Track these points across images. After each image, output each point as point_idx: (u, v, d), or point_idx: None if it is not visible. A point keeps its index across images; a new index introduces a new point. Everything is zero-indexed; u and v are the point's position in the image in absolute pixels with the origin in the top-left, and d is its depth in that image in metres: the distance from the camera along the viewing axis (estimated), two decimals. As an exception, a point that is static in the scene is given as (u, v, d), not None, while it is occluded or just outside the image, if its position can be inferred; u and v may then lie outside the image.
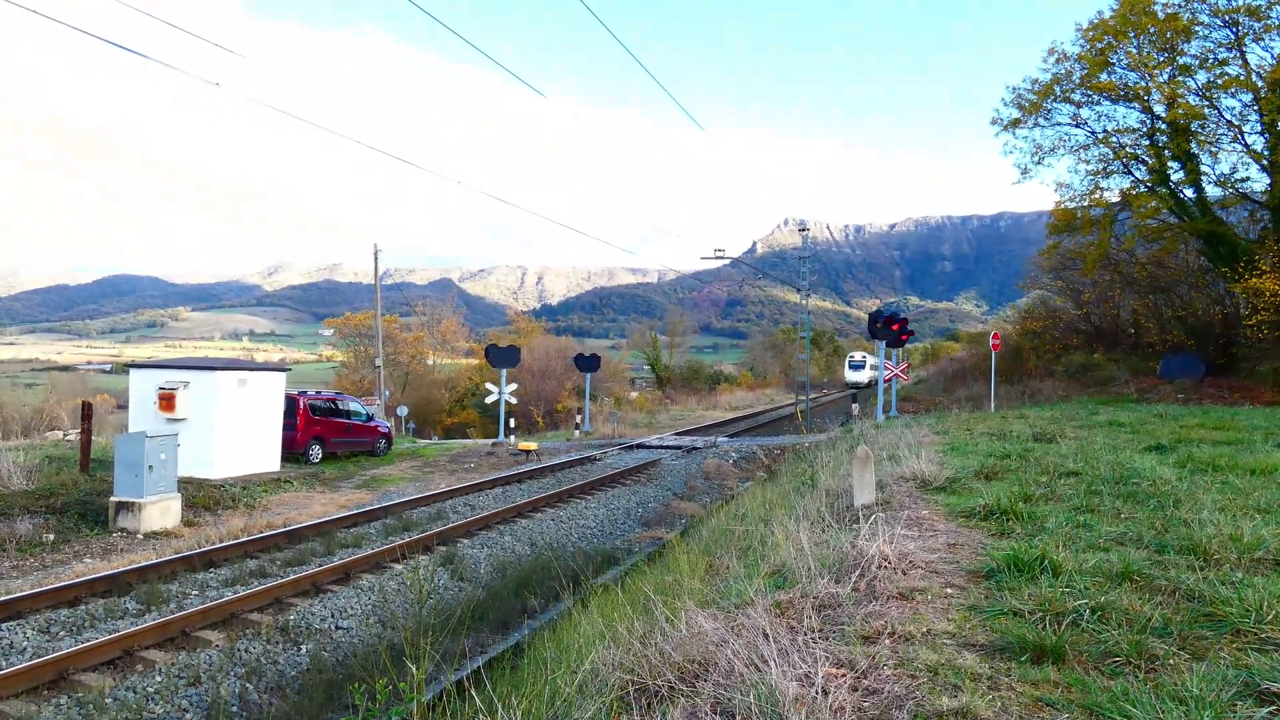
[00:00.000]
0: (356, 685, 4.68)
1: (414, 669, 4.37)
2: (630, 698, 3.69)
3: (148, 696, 7.40)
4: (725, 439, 28.76)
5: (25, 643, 8.53)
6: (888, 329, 26.93)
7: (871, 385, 68.61)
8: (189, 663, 8.07)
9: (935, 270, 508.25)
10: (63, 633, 8.86)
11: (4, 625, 8.87)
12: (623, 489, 19.24)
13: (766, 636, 3.81)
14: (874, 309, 30.47)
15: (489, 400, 32.33)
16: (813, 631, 4.10)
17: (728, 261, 50.11)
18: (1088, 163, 33.24)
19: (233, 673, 8.02)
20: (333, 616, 9.78)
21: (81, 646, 7.93)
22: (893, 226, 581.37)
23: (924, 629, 4.17)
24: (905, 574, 5.21)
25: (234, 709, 7.43)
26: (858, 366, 72.81)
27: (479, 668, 6.80)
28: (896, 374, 29.00)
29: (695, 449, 25.97)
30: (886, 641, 4.01)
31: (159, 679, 7.70)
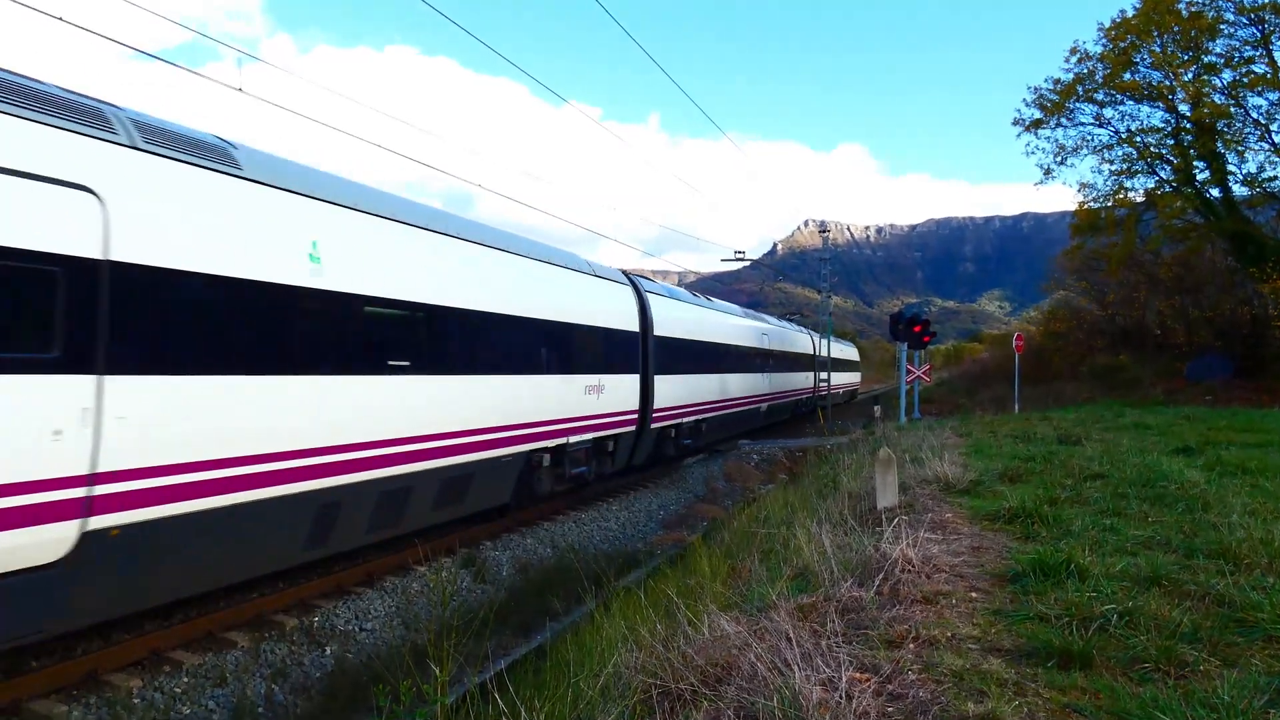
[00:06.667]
0: (380, 687, 4.71)
1: (437, 671, 4.38)
2: (653, 701, 3.69)
3: (175, 697, 7.48)
4: (746, 440, 28.67)
5: (54, 644, 8.65)
6: (910, 331, 26.75)
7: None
8: (215, 664, 8.16)
9: (957, 271, 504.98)
10: (91, 634, 8.97)
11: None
12: (644, 491, 19.22)
13: (789, 640, 3.80)
14: (895, 310, 30.26)
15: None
16: (836, 635, 4.09)
17: (748, 264, 49.96)
18: (1111, 163, 32.96)
19: (258, 673, 8.10)
20: (356, 618, 9.84)
21: (110, 647, 8.03)
22: (914, 227, 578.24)
23: (949, 633, 4.15)
24: (929, 578, 5.18)
25: (260, 709, 7.51)
26: None
27: (502, 670, 6.81)
28: (919, 376, 28.80)
29: (716, 450, 25.91)
30: (911, 646, 3.99)
31: (185, 679, 7.78)
